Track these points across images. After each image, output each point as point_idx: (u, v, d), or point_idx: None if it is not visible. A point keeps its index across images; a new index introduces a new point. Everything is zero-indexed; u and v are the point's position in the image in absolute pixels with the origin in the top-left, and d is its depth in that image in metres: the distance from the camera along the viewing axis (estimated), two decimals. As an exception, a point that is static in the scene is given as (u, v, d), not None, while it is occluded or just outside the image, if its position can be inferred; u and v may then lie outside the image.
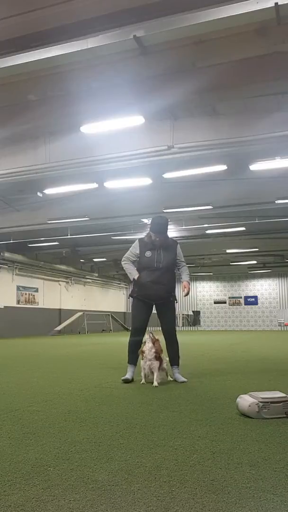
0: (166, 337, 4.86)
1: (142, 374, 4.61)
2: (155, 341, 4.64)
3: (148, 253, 4.78)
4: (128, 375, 4.71)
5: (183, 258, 5.01)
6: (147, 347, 4.60)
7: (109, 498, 1.70)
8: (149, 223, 4.90)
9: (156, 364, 4.52)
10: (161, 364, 4.58)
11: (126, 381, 4.63)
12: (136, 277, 4.76)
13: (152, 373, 4.53)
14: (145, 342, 4.68)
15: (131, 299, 5.00)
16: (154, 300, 4.80)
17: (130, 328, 5.02)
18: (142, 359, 4.62)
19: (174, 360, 4.84)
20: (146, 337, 4.69)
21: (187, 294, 4.88)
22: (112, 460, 2.15)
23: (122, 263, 4.95)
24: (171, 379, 4.77)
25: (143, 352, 4.62)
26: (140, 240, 4.95)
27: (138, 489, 1.79)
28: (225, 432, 2.65)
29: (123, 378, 4.68)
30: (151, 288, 4.72)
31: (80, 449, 2.35)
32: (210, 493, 1.74)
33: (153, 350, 4.55)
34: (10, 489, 1.81)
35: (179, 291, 5.07)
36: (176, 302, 5.00)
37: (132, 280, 4.87)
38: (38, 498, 1.71)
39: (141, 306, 4.84)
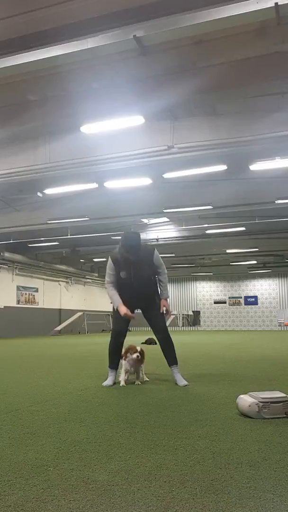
0: (159, 337, 4.64)
1: (123, 376, 4.52)
2: (139, 356, 4.54)
3: (123, 274, 4.48)
4: (109, 381, 4.53)
5: (162, 261, 4.63)
6: (133, 357, 4.52)
7: (109, 498, 1.70)
8: (120, 239, 4.56)
9: (140, 367, 4.59)
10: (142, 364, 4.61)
11: (109, 386, 4.47)
12: (118, 308, 4.46)
13: (135, 372, 4.58)
14: (134, 350, 4.55)
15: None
16: (139, 306, 4.62)
17: (111, 330, 4.81)
18: (125, 359, 4.56)
19: (172, 359, 4.59)
20: (133, 357, 4.52)
21: (167, 313, 4.61)
22: (112, 460, 2.15)
23: (106, 288, 4.68)
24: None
25: (126, 354, 4.55)
26: (113, 258, 4.57)
27: (138, 489, 1.79)
28: (225, 432, 2.65)
29: (104, 384, 4.50)
30: (133, 303, 4.53)
31: (80, 449, 2.34)
32: (210, 493, 1.74)
33: (136, 356, 4.52)
34: (10, 489, 1.81)
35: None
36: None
37: (114, 307, 4.59)
38: (38, 498, 1.71)
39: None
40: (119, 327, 4.68)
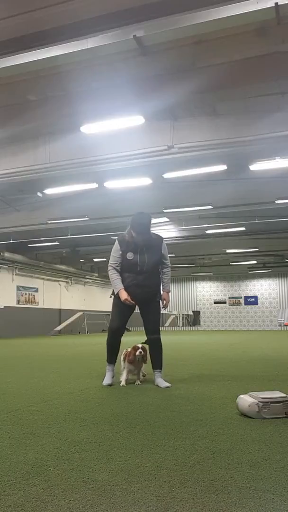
0: (150, 338, 4.51)
1: (124, 376, 4.47)
2: (145, 355, 4.50)
3: (130, 255, 4.33)
4: (108, 379, 4.46)
5: (168, 257, 4.61)
6: (137, 358, 4.46)
7: (109, 498, 1.70)
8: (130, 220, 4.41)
9: (141, 366, 4.56)
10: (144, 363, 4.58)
11: (109, 386, 4.39)
12: (119, 293, 4.34)
13: (135, 373, 4.54)
14: (135, 350, 4.47)
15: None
16: (138, 302, 4.44)
17: (108, 328, 4.66)
18: (130, 363, 4.48)
19: (157, 363, 4.48)
20: (140, 355, 4.45)
21: (166, 307, 4.54)
22: (112, 460, 2.15)
23: (108, 271, 4.49)
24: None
25: (131, 360, 4.47)
26: (120, 239, 4.43)
27: (138, 489, 1.79)
28: (225, 432, 2.65)
29: (105, 384, 4.43)
30: (135, 292, 4.35)
31: (80, 449, 2.34)
32: (210, 493, 1.74)
33: (142, 362, 4.52)
34: (10, 489, 1.81)
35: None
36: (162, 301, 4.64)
37: (115, 292, 4.45)
38: (38, 498, 1.71)
39: (124, 305, 4.42)
40: (117, 324, 4.52)
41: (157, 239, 4.49)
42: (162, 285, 4.59)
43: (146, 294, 4.41)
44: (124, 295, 4.31)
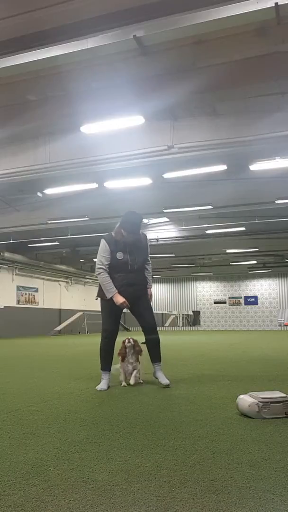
0: (149, 337, 4.41)
1: (122, 377, 4.42)
2: (135, 344, 4.44)
3: (120, 255, 4.25)
4: (104, 385, 4.27)
5: (149, 254, 4.57)
6: (128, 351, 4.41)
7: (109, 498, 1.70)
8: (122, 218, 4.34)
9: (137, 366, 4.44)
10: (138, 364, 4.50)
11: (103, 390, 4.22)
12: (114, 297, 4.21)
13: (131, 374, 4.43)
14: (125, 347, 4.42)
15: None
16: (130, 301, 4.32)
17: (102, 332, 4.47)
18: (123, 361, 4.42)
19: (156, 356, 4.39)
20: (128, 345, 4.41)
21: (150, 300, 4.55)
22: (112, 460, 2.15)
23: (97, 274, 4.30)
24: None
25: (123, 356, 4.40)
26: (108, 238, 4.31)
27: (138, 489, 1.79)
28: (225, 432, 2.65)
29: (98, 388, 4.22)
30: (127, 291, 4.26)
31: (80, 449, 2.34)
32: (210, 493, 1.74)
33: (135, 353, 4.41)
34: (10, 489, 1.81)
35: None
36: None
37: (108, 297, 4.26)
38: (38, 498, 1.71)
39: (113, 307, 4.31)
40: (111, 327, 4.39)
41: (144, 236, 4.50)
42: (148, 282, 4.55)
43: (137, 291, 4.37)
44: (120, 299, 4.22)
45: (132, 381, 4.41)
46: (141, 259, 4.38)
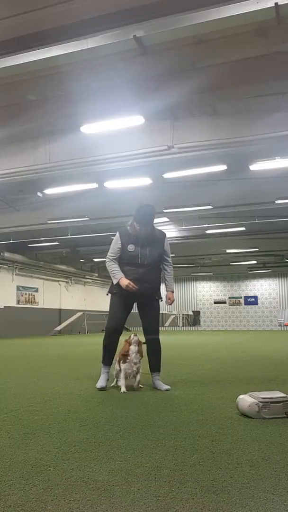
0: (149, 339, 4.33)
1: (122, 381, 4.12)
2: (139, 343, 4.23)
3: (131, 247, 4.21)
4: (102, 381, 4.22)
5: (170, 255, 4.48)
6: (133, 349, 4.15)
7: (109, 498, 1.70)
8: (134, 211, 4.27)
9: (140, 367, 4.20)
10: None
11: (102, 389, 4.15)
12: (120, 280, 4.17)
13: (135, 376, 4.19)
14: (129, 343, 4.19)
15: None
16: (137, 298, 4.28)
17: (106, 327, 4.40)
18: (124, 362, 4.15)
19: (156, 366, 4.32)
20: (135, 338, 4.19)
21: (171, 303, 4.43)
22: (112, 460, 2.15)
23: (106, 263, 4.34)
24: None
25: (126, 355, 4.15)
26: (122, 231, 4.31)
27: (138, 489, 1.79)
28: (225, 432, 2.65)
29: (98, 386, 4.18)
30: (134, 284, 4.16)
31: (80, 449, 2.34)
32: (210, 493, 1.74)
33: (138, 354, 4.17)
34: (10, 489, 1.81)
35: (163, 289, 4.51)
36: (161, 300, 4.44)
37: (114, 282, 4.25)
38: (38, 498, 1.71)
39: (122, 304, 4.29)
40: (115, 323, 4.30)
41: (160, 234, 4.42)
42: (166, 285, 4.46)
43: (146, 289, 4.24)
44: (125, 281, 4.15)
45: (136, 385, 4.20)
46: (154, 254, 4.28)
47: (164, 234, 4.46)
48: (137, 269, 4.21)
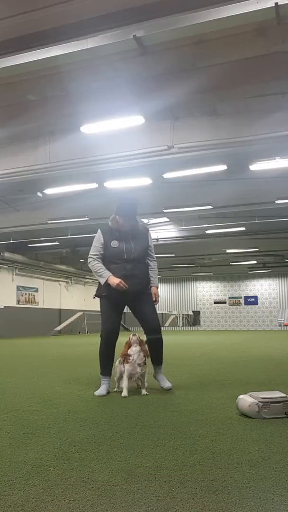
0: (152, 338, 4.08)
1: (125, 383, 3.87)
2: (141, 343, 4.00)
3: (114, 243, 4.01)
4: (103, 390, 3.95)
5: (153, 249, 4.27)
6: (134, 350, 3.92)
7: (109, 498, 1.70)
8: (117, 204, 4.09)
9: (145, 369, 3.94)
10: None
11: (102, 396, 3.89)
12: (108, 279, 3.94)
13: (140, 379, 3.95)
14: (129, 344, 3.98)
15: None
16: (129, 297, 4.03)
17: (101, 333, 4.13)
18: (127, 363, 3.91)
19: (158, 358, 4.12)
20: (134, 338, 3.98)
21: (157, 302, 4.19)
22: (112, 460, 2.15)
23: (89, 263, 4.10)
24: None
25: (127, 355, 3.93)
26: (103, 228, 4.11)
27: (138, 489, 1.79)
28: (225, 432, 2.65)
29: (97, 394, 3.92)
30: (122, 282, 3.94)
31: (80, 449, 2.34)
32: (210, 493, 1.74)
33: (142, 354, 3.92)
34: (10, 489, 1.81)
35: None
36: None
37: (102, 282, 4.00)
38: (38, 498, 1.71)
39: (113, 306, 4.08)
40: (111, 328, 4.07)
41: (143, 228, 4.25)
42: (151, 277, 4.19)
43: (137, 285, 4.02)
44: (115, 280, 3.91)
45: (144, 392, 3.91)
46: (139, 248, 4.08)
47: (147, 228, 4.30)
48: (124, 265, 4.00)
